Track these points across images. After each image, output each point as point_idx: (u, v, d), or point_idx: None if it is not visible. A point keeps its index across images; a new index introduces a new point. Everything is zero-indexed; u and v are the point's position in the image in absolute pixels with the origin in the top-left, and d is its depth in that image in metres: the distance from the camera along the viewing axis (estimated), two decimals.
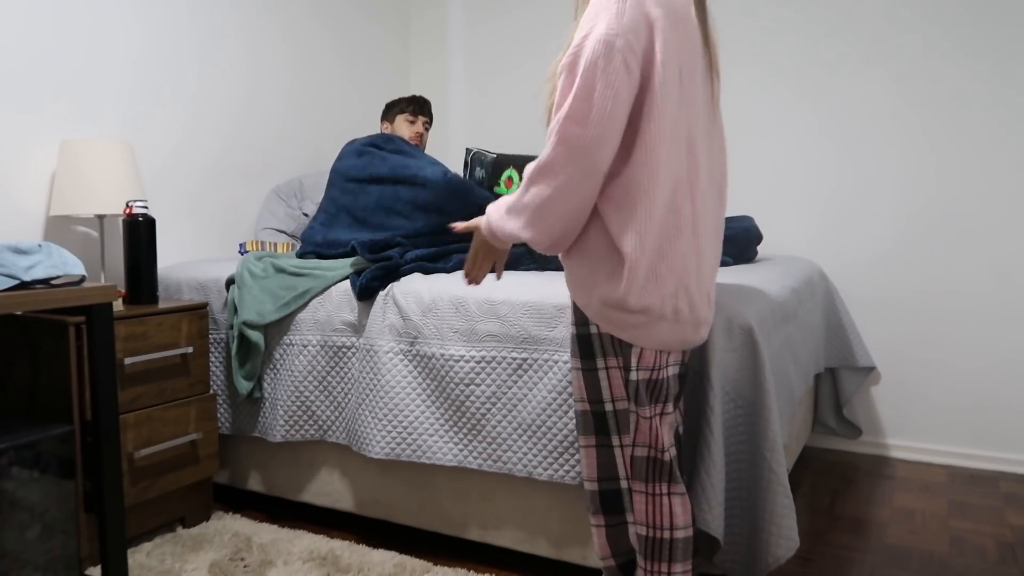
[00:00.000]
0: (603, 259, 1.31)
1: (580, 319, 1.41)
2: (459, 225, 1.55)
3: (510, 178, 2.30)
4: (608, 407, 1.41)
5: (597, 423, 1.43)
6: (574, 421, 1.71)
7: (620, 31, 1.20)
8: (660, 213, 1.26)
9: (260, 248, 2.59)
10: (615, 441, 1.42)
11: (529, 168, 1.30)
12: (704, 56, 1.33)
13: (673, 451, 1.38)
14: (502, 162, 2.37)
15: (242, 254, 2.60)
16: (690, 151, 1.30)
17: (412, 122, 2.82)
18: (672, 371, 1.38)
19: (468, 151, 2.50)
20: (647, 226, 1.26)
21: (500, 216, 1.38)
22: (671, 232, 1.28)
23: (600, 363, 1.40)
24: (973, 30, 2.67)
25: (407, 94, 3.72)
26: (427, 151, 3.73)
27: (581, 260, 1.34)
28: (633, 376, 1.35)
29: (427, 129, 2.87)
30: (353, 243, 2.14)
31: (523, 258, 2.18)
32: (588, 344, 1.41)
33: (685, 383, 1.51)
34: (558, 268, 2.17)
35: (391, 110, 2.85)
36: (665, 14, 1.22)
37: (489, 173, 2.37)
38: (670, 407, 1.39)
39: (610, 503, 1.46)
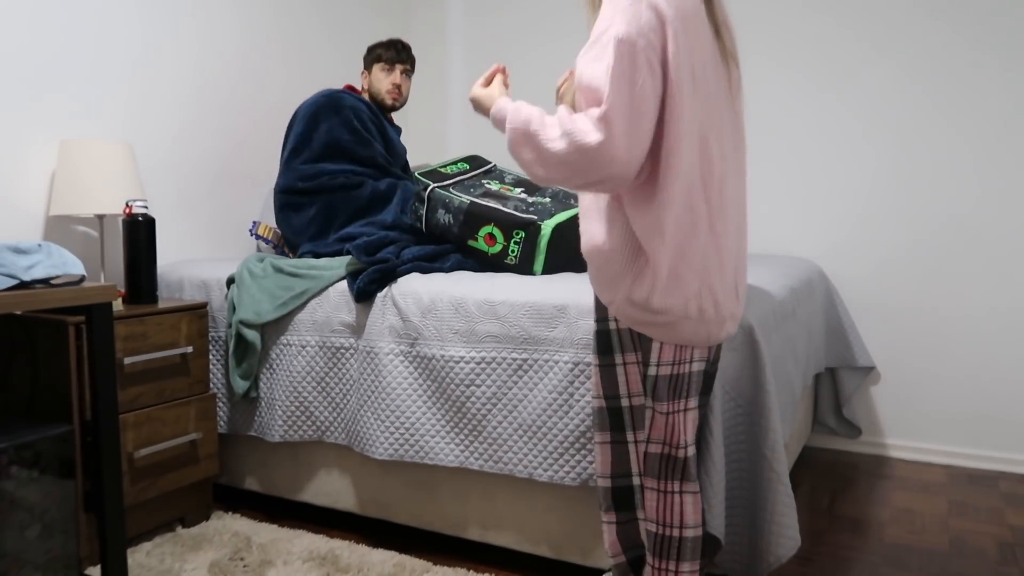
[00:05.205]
0: (630, 259, 1.32)
1: (600, 315, 1.44)
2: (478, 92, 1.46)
3: (491, 235, 2.05)
4: (624, 403, 1.43)
5: (613, 419, 1.45)
6: (581, 419, 1.71)
7: (640, 31, 1.18)
8: (677, 213, 1.26)
9: (272, 233, 2.62)
10: (630, 437, 1.44)
11: (557, 126, 1.24)
12: (716, 45, 1.31)
13: (692, 449, 1.38)
14: (479, 213, 2.08)
15: (252, 232, 2.63)
16: (703, 147, 1.28)
17: (388, 71, 2.55)
18: (697, 367, 1.37)
19: (426, 185, 2.13)
20: (665, 226, 1.26)
21: (512, 131, 1.31)
22: (688, 231, 1.28)
23: (618, 359, 1.42)
24: (980, 34, 2.67)
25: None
26: (424, 148, 3.72)
27: (608, 258, 1.35)
28: (652, 371, 1.36)
29: (408, 76, 2.58)
30: (347, 247, 2.14)
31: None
32: (607, 340, 1.43)
33: (712, 381, 1.50)
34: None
35: (369, 56, 2.58)
36: (676, 12, 1.21)
37: (461, 222, 2.09)
38: (693, 402, 1.38)
39: (622, 499, 1.48)
